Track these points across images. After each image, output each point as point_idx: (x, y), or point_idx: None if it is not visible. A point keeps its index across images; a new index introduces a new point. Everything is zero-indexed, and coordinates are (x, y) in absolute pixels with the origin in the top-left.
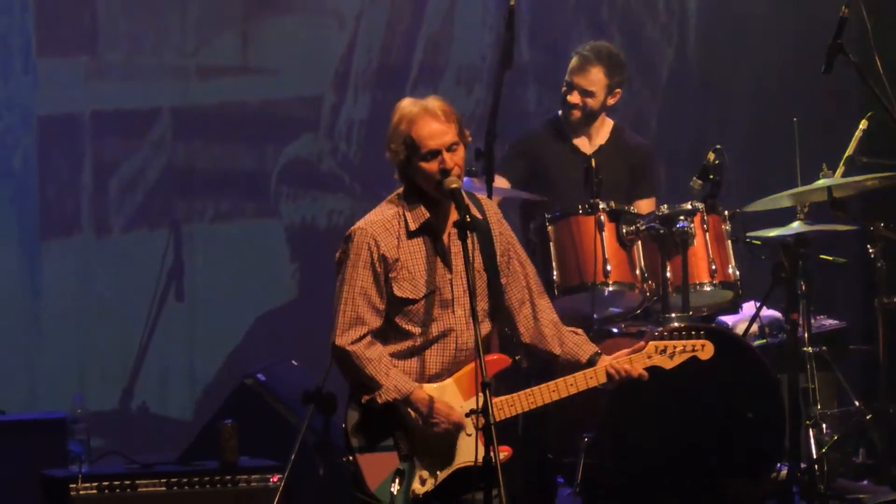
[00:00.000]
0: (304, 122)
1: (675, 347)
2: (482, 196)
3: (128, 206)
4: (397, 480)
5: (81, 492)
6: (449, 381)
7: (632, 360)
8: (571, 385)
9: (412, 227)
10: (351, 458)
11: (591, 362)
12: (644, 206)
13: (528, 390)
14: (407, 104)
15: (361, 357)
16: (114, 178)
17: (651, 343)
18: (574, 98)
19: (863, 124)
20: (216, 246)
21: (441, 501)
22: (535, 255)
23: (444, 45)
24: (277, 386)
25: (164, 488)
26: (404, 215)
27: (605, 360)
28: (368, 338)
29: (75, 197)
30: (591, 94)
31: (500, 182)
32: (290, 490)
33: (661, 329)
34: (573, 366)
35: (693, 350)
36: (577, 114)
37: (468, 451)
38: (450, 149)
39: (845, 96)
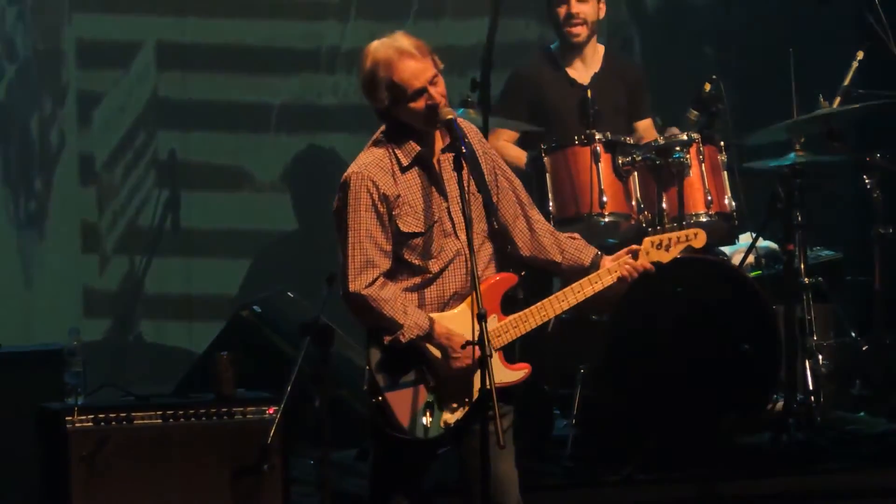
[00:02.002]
0: (304, 56)
1: (669, 239)
2: (460, 119)
3: (120, 137)
4: (428, 413)
5: (77, 424)
6: (462, 306)
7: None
8: (579, 292)
9: (404, 162)
10: (380, 398)
11: (595, 265)
12: (644, 126)
13: (538, 304)
14: (378, 49)
15: (378, 299)
16: (100, 109)
17: (646, 239)
18: (575, 7)
19: (859, 55)
20: (213, 177)
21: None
22: (532, 185)
23: None
24: (274, 318)
25: (160, 420)
26: (394, 152)
27: (608, 261)
28: (381, 279)
29: (60, 127)
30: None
31: (506, 134)
32: (286, 422)
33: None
34: (577, 271)
35: (687, 239)
36: (583, 30)
37: (494, 372)
38: (432, 82)
39: (842, 26)
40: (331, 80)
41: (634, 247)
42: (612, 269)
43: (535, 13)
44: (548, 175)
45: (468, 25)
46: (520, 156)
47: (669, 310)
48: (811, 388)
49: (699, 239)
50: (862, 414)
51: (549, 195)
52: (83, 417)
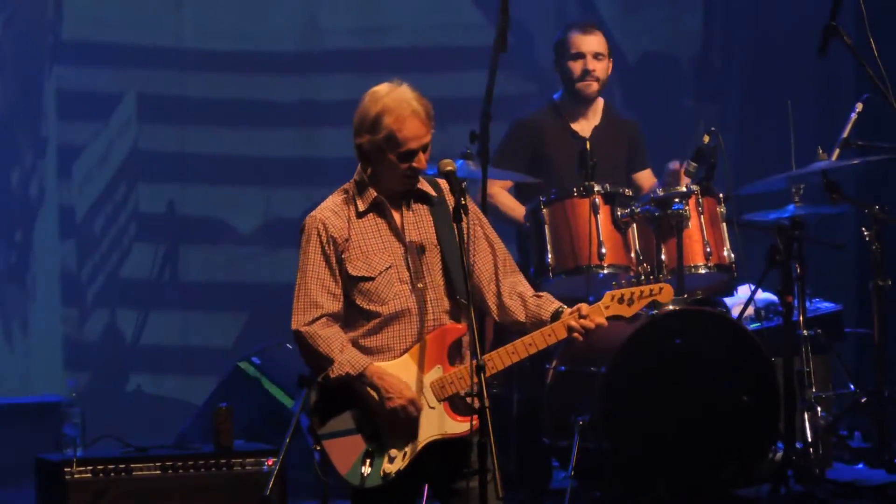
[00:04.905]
0: (292, 107)
1: (632, 294)
2: (440, 179)
3: (101, 190)
4: (367, 462)
5: (76, 476)
6: (405, 357)
7: (590, 312)
8: (530, 345)
9: (361, 207)
10: (318, 446)
11: (555, 317)
12: (644, 177)
13: (486, 355)
14: (391, 96)
15: (314, 335)
16: (80, 162)
17: (607, 293)
18: (591, 64)
19: (858, 107)
20: (210, 229)
21: (430, 485)
22: (530, 238)
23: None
24: (272, 369)
25: (158, 472)
26: (354, 198)
27: (566, 314)
28: (324, 319)
29: (41, 179)
30: (601, 57)
31: (503, 184)
32: (284, 474)
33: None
34: (539, 327)
35: (651, 294)
36: (594, 85)
37: (435, 424)
38: (424, 149)
39: (841, 78)
40: (320, 131)
41: (583, 305)
42: (566, 322)
43: (532, 66)
44: (546, 227)
45: (464, 78)
46: (514, 206)
47: (668, 361)
48: (810, 439)
49: (664, 294)
50: (860, 466)
51: (548, 247)
52: (82, 469)
